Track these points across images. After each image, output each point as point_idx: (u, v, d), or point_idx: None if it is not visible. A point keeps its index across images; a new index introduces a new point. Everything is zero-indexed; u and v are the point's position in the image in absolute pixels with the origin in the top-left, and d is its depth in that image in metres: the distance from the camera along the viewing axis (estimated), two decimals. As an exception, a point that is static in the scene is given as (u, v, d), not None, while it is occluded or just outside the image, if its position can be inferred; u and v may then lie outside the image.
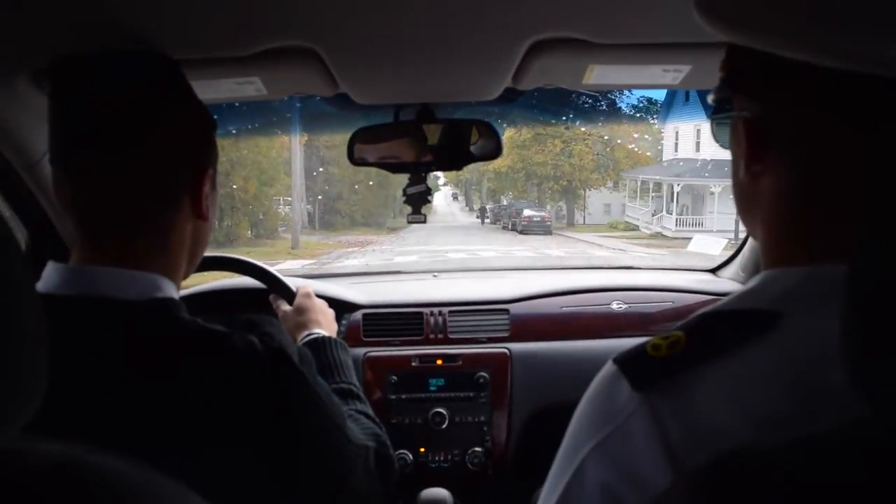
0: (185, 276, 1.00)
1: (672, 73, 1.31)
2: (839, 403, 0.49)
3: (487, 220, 41.26)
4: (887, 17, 0.53)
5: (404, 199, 1.72)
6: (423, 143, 1.63)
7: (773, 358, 0.59)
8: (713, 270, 2.43)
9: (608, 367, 0.67)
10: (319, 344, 1.36)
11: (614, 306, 2.09)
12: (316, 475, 0.91)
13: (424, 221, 1.77)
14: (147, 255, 0.89)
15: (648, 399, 0.62)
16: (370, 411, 1.23)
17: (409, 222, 1.78)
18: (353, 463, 0.99)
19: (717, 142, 0.77)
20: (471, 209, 59.43)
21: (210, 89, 1.38)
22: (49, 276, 0.87)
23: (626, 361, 0.66)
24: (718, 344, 0.62)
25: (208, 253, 1.72)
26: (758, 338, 0.60)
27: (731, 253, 2.38)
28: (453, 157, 1.65)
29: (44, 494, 0.49)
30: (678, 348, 0.63)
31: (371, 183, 33.26)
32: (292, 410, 0.88)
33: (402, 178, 1.70)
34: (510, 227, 34.36)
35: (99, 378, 0.80)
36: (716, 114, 0.74)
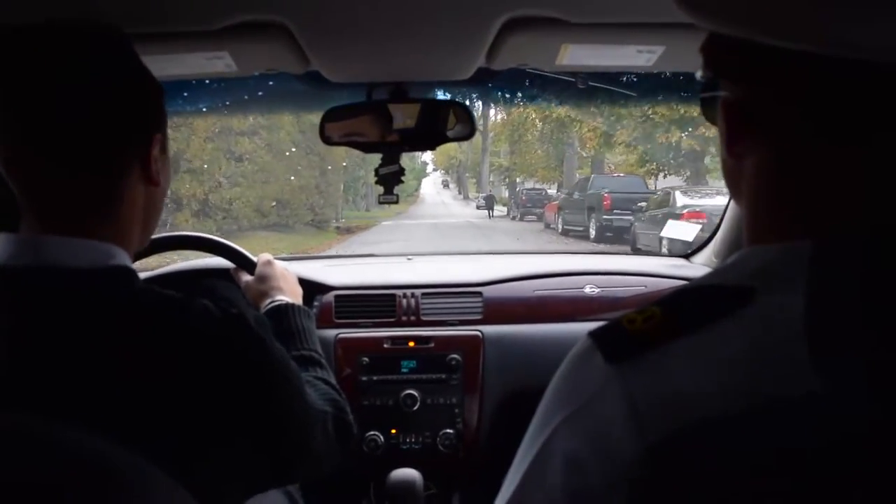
0: (141, 245, 0.98)
1: (646, 54, 1.31)
2: (800, 377, 0.49)
3: (497, 213, 34.01)
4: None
5: (376, 179, 1.71)
6: (397, 123, 1.62)
7: (744, 333, 0.59)
8: (687, 256, 2.44)
9: (582, 342, 0.67)
10: (282, 311, 1.35)
11: (587, 290, 2.10)
12: (274, 440, 0.91)
13: (397, 202, 1.75)
14: (97, 223, 0.87)
15: (620, 371, 0.61)
16: (331, 378, 1.22)
17: (381, 202, 1.76)
18: (313, 428, 0.98)
19: (707, 119, 0.78)
20: (465, 197, 54.04)
21: (179, 64, 1.36)
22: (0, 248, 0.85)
23: (600, 335, 0.66)
24: (692, 318, 0.62)
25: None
26: (731, 313, 0.60)
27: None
28: (427, 137, 1.64)
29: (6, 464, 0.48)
30: (653, 322, 0.63)
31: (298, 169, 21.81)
32: (249, 375, 0.87)
33: (356, 164, 1.68)
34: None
35: (52, 347, 0.79)
36: (703, 92, 0.74)
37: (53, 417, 0.56)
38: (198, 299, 0.87)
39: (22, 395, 0.75)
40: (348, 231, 23.18)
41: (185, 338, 0.83)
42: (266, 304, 1.39)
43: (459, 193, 59.52)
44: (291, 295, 1.45)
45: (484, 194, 43.05)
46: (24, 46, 0.84)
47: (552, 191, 35.26)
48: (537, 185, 35.71)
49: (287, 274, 1.52)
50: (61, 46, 0.85)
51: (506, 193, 45.74)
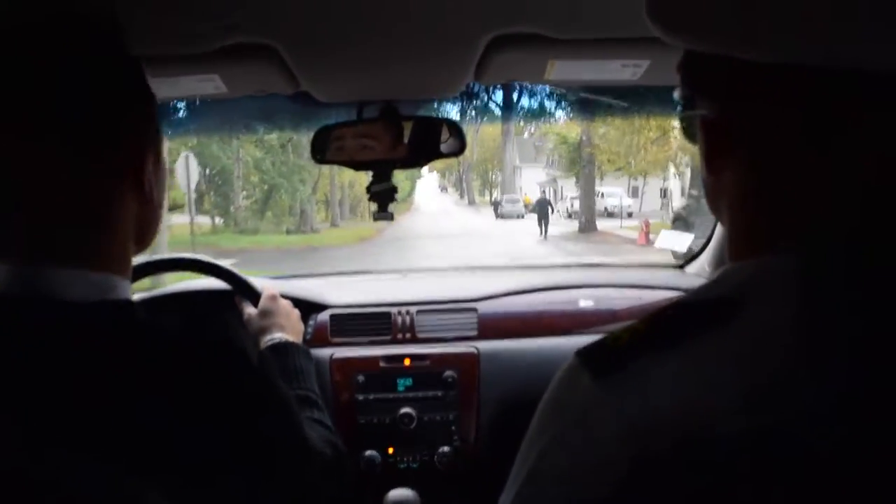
0: (136, 255, 0.94)
1: (631, 69, 1.32)
2: (787, 393, 0.49)
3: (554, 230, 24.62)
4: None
5: (369, 197, 1.71)
6: (389, 140, 1.63)
7: (726, 346, 0.59)
8: (681, 266, 2.45)
9: (570, 360, 0.67)
10: (281, 349, 1.34)
11: (581, 303, 2.10)
12: (270, 477, 0.89)
13: (392, 219, 1.75)
14: (89, 246, 0.83)
15: (606, 388, 0.61)
16: (327, 420, 1.21)
17: (376, 219, 1.77)
18: (310, 467, 0.98)
19: (686, 137, 0.78)
20: (471, 202, 47.92)
21: (169, 87, 1.36)
22: None
23: (586, 353, 0.66)
24: (676, 333, 0.62)
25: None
26: (715, 327, 0.60)
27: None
28: (419, 154, 1.65)
29: None
30: (637, 338, 0.63)
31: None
32: (250, 410, 0.86)
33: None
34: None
35: (53, 380, 0.77)
36: (682, 111, 0.75)
37: (44, 453, 0.56)
38: (199, 334, 0.85)
39: (13, 429, 0.74)
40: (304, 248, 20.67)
41: (188, 373, 0.82)
42: (266, 340, 1.39)
43: (462, 198, 53.27)
44: (293, 333, 1.45)
45: (508, 196, 35.25)
46: (18, 47, 0.79)
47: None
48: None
49: (290, 311, 1.52)
50: (53, 50, 0.80)
51: (540, 194, 34.46)
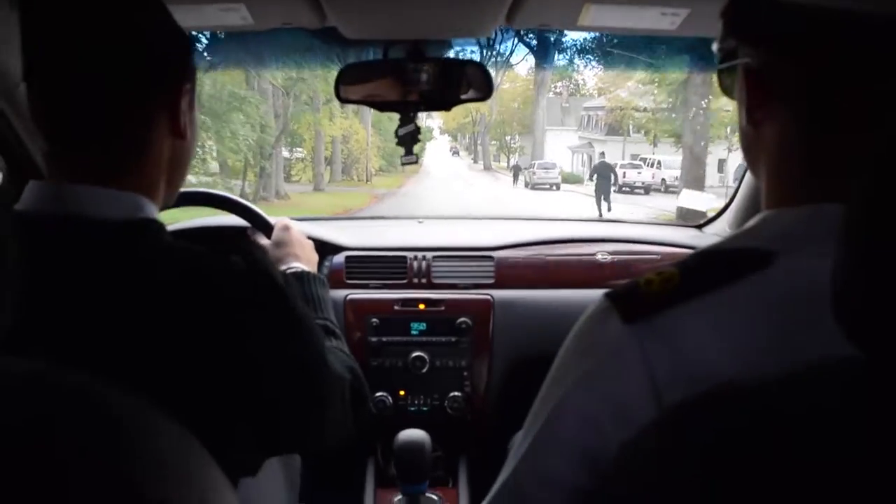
0: (168, 201, 0.98)
1: (670, 17, 1.28)
2: (824, 341, 0.48)
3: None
4: None
5: (396, 140, 1.69)
6: (413, 82, 1.60)
7: (763, 295, 0.59)
8: (699, 226, 2.42)
9: (599, 302, 0.67)
10: (298, 278, 1.34)
11: (599, 257, 2.09)
12: (295, 400, 0.90)
13: (416, 161, 1.73)
14: (124, 173, 0.87)
15: (638, 332, 0.61)
16: (346, 348, 1.22)
17: (403, 163, 1.75)
18: (332, 393, 0.98)
19: (723, 90, 0.77)
20: (488, 168, 42.48)
21: (194, 16, 1.34)
22: (29, 195, 0.85)
23: (617, 296, 0.66)
24: (711, 281, 0.61)
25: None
26: (750, 275, 0.60)
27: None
28: (444, 97, 1.62)
29: (13, 408, 0.48)
30: (671, 284, 0.63)
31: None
32: (276, 332, 0.87)
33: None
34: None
35: (78, 297, 0.79)
36: (721, 62, 0.73)
37: (64, 363, 0.56)
38: (225, 255, 0.87)
39: (46, 343, 0.75)
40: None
41: (214, 291, 0.83)
42: (282, 269, 1.38)
43: (476, 162, 48.39)
44: (307, 262, 1.44)
45: (541, 162, 27.30)
46: None
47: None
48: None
49: (304, 240, 1.51)
50: None
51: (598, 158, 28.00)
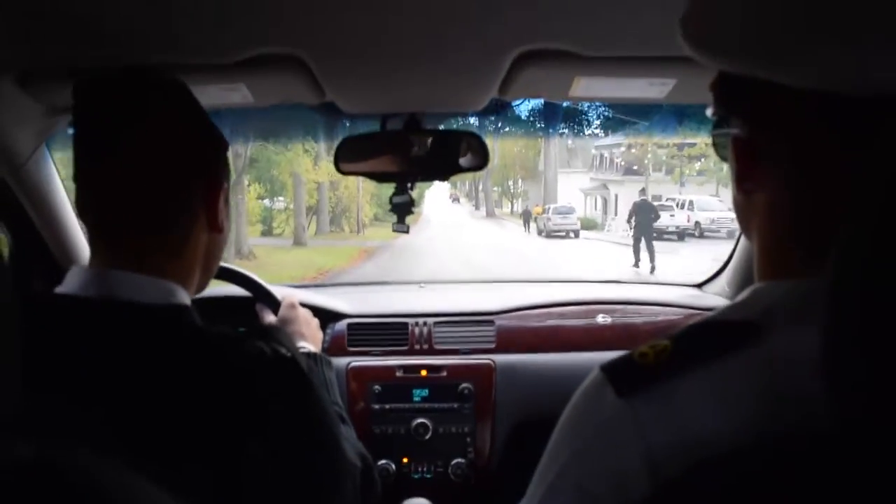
0: (199, 290, 1.03)
1: (658, 87, 1.32)
2: (809, 412, 0.49)
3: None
4: (860, 37, 0.54)
5: (390, 208, 1.72)
6: (411, 153, 1.63)
7: (753, 368, 0.59)
8: (699, 285, 2.43)
9: (594, 374, 0.68)
10: (311, 360, 1.35)
11: (599, 319, 2.10)
12: (311, 487, 0.91)
13: (407, 231, 1.76)
14: (164, 263, 0.91)
15: (632, 405, 0.62)
16: (353, 433, 1.23)
17: (394, 231, 1.77)
18: (345, 480, 0.99)
19: (719, 156, 0.79)
20: (490, 214, 41.56)
21: (197, 96, 1.37)
22: (72, 279, 0.89)
23: (611, 368, 0.66)
24: (703, 353, 0.62)
25: None
26: (742, 348, 0.61)
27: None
28: (441, 167, 1.65)
29: (14, 493, 0.48)
30: (664, 356, 0.63)
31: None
32: (302, 422, 0.89)
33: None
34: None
35: (113, 378, 0.81)
36: (714, 129, 0.75)
37: (109, 449, 0.57)
38: (252, 341, 0.89)
39: (81, 424, 0.76)
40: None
41: (242, 378, 0.85)
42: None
43: (477, 209, 46.80)
44: (312, 340, 1.45)
45: (556, 207, 24.96)
46: (102, 97, 0.90)
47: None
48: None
49: (310, 318, 1.53)
50: (136, 97, 0.91)
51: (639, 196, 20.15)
